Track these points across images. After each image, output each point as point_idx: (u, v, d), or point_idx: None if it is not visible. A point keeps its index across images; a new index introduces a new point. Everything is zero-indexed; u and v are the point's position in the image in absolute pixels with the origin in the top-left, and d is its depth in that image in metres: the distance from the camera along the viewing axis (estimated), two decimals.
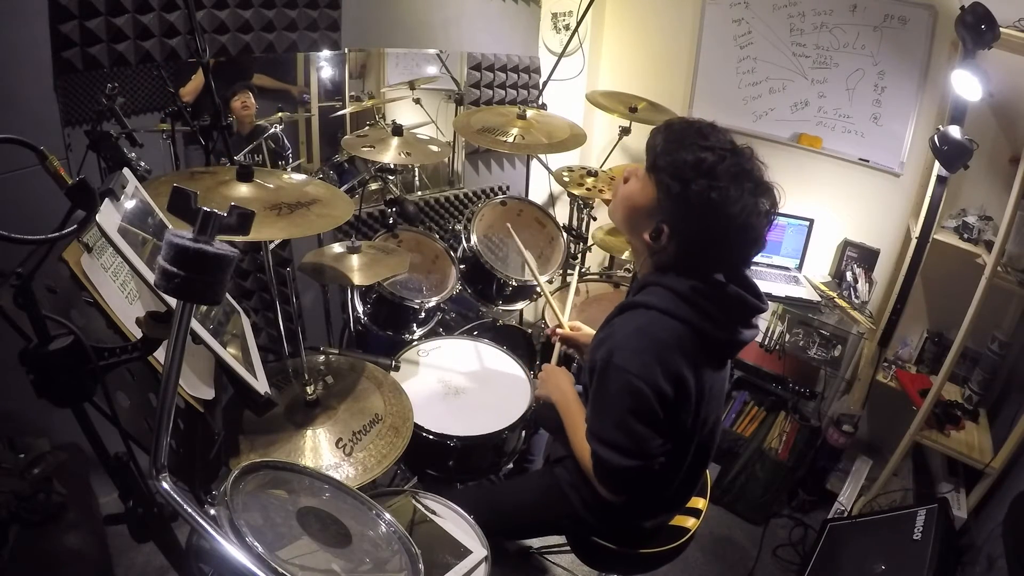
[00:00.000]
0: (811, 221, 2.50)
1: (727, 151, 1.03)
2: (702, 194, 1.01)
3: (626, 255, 2.44)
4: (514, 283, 2.02)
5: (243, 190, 1.24)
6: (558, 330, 1.56)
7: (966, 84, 1.86)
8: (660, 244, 1.10)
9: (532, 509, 1.40)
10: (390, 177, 2.05)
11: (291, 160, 2.15)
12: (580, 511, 1.32)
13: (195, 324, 0.92)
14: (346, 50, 2.13)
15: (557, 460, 1.39)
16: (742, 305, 1.13)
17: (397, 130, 1.84)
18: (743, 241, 1.06)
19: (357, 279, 1.59)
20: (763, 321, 2.43)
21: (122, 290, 0.97)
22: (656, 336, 1.07)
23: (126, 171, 0.95)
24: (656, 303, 1.09)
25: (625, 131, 2.42)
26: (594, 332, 1.57)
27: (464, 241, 2.01)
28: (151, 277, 0.67)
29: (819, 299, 2.36)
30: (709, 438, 1.25)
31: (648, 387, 1.04)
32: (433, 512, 1.29)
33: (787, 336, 2.39)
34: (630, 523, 1.33)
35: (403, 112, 2.42)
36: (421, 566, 0.94)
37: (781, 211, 2.66)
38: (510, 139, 1.99)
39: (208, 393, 1.10)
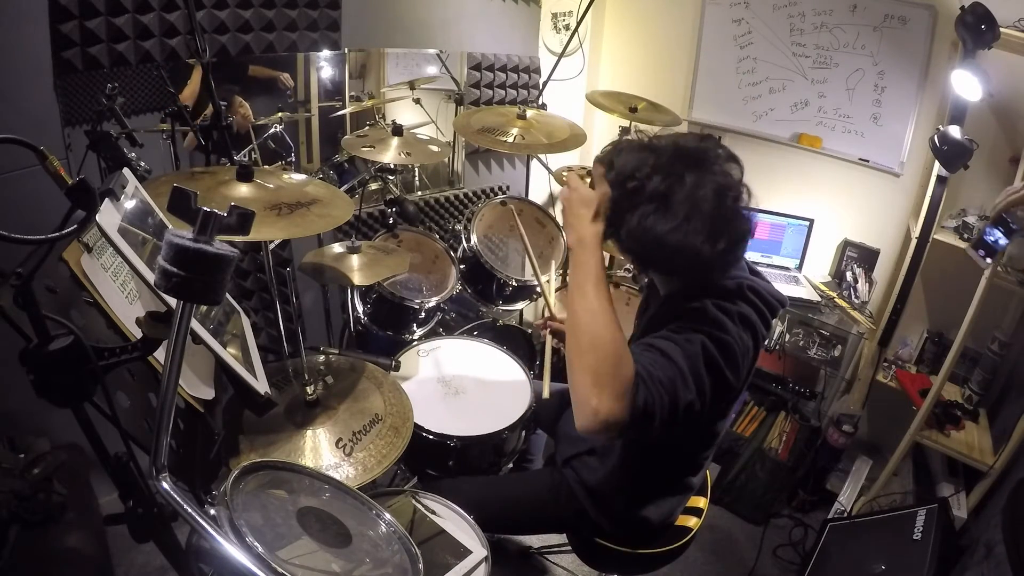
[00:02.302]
0: (811, 221, 2.50)
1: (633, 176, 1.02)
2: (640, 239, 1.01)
3: None
4: (514, 283, 2.02)
5: (243, 190, 1.24)
6: (550, 323, 1.56)
7: (966, 84, 1.86)
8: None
9: (537, 506, 1.41)
10: (390, 177, 2.05)
11: (292, 159, 2.14)
12: (590, 512, 1.33)
13: (195, 324, 0.92)
14: (346, 50, 2.13)
15: (566, 461, 1.39)
16: (777, 300, 1.14)
17: (397, 130, 1.84)
18: (706, 259, 0.99)
19: (357, 279, 1.59)
20: None
21: (122, 290, 0.97)
22: (746, 322, 1.05)
23: (126, 171, 0.95)
24: (707, 295, 1.05)
25: (625, 131, 2.42)
26: None
27: (464, 241, 2.01)
28: (151, 277, 0.67)
29: (819, 299, 2.36)
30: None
31: (739, 347, 1.00)
32: (433, 512, 1.30)
33: (787, 336, 2.39)
34: (639, 521, 1.33)
35: (403, 112, 2.42)
36: (421, 566, 0.94)
37: (781, 211, 2.64)
38: (510, 139, 1.99)
39: (208, 393, 1.10)
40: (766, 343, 2.35)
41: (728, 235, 1.00)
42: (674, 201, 0.98)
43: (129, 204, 0.89)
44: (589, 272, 0.97)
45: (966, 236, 2.06)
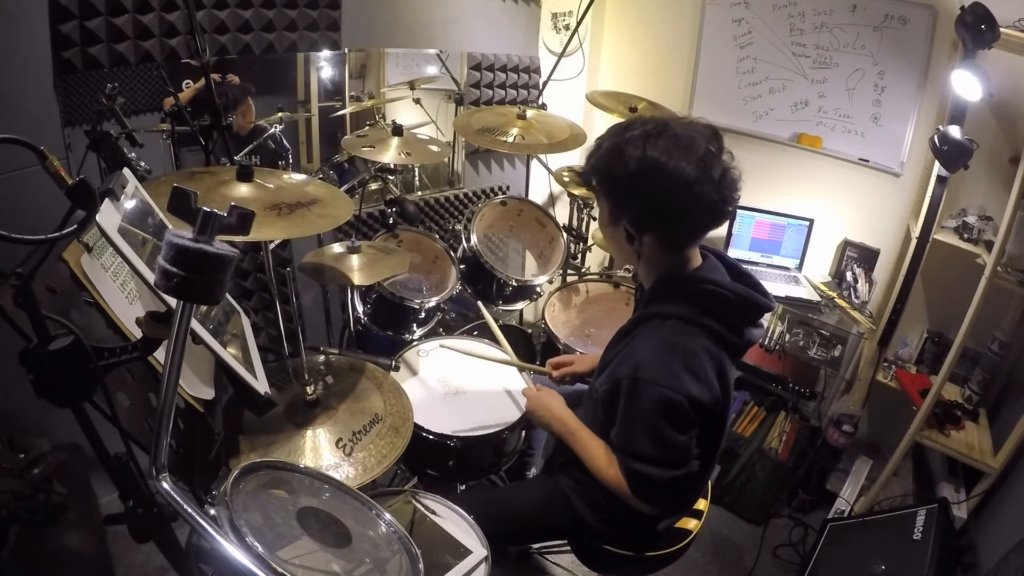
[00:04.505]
0: (811, 221, 2.50)
1: (623, 132, 1.08)
2: (623, 174, 1.05)
3: None
4: (514, 283, 2.02)
5: (243, 190, 1.24)
6: (555, 372, 1.57)
7: (966, 84, 1.86)
8: (640, 243, 1.12)
9: (535, 516, 1.40)
10: (390, 177, 2.05)
11: (290, 160, 2.14)
12: (587, 519, 1.32)
13: (195, 324, 0.92)
14: (346, 50, 2.13)
15: (560, 467, 1.39)
16: (752, 305, 1.14)
17: (397, 130, 1.84)
18: (686, 193, 1.03)
19: (357, 279, 1.59)
20: (764, 321, 2.44)
21: (122, 290, 0.97)
22: (681, 345, 1.08)
23: (126, 171, 0.95)
24: (673, 311, 1.11)
25: None
26: (585, 356, 1.58)
27: (464, 241, 2.01)
28: (151, 277, 0.67)
29: (819, 299, 2.36)
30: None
31: (682, 396, 1.05)
32: (433, 512, 1.30)
33: (787, 336, 2.39)
34: (645, 529, 1.32)
35: (403, 112, 2.42)
36: (421, 566, 0.94)
37: (781, 211, 2.64)
38: (510, 139, 1.99)
39: (208, 393, 1.10)
40: (765, 343, 2.37)
41: (718, 169, 1.05)
42: (661, 142, 1.04)
43: (129, 204, 0.90)
44: (578, 439, 1.27)
45: (966, 236, 2.06)
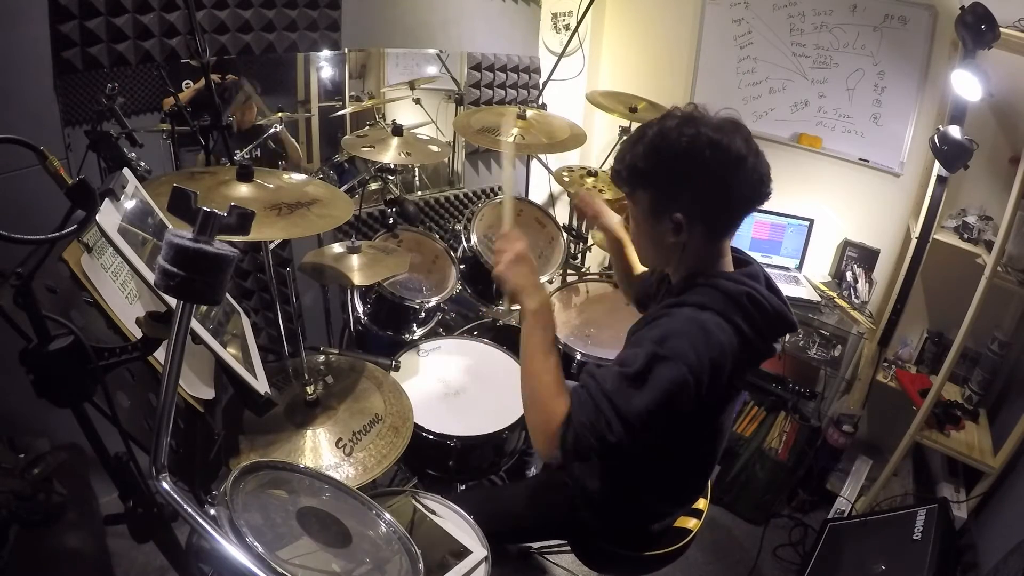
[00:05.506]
0: (811, 221, 2.50)
1: (663, 120, 1.05)
2: (675, 154, 1.01)
3: None
4: None
5: (243, 190, 1.24)
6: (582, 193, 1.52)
7: (966, 84, 1.85)
8: (686, 234, 1.05)
9: (535, 515, 1.40)
10: (390, 177, 2.05)
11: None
12: (587, 517, 1.32)
13: (195, 324, 0.92)
14: (346, 50, 2.13)
15: (561, 465, 1.39)
16: (781, 319, 1.10)
17: (397, 130, 1.84)
18: (741, 168, 1.01)
19: (357, 279, 1.59)
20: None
21: (122, 290, 0.97)
22: (714, 336, 1.01)
23: (126, 171, 0.95)
24: (711, 304, 1.04)
25: (625, 131, 2.42)
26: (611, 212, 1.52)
27: (464, 241, 2.01)
28: (151, 277, 0.67)
29: (819, 299, 2.36)
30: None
31: (694, 381, 0.98)
32: (433, 512, 1.29)
33: (787, 336, 2.39)
34: (644, 528, 1.32)
35: (403, 112, 2.42)
36: (421, 566, 0.94)
37: (781, 211, 2.64)
38: (510, 139, 1.99)
39: (208, 393, 1.10)
40: None
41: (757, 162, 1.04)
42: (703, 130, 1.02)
43: (129, 204, 0.90)
44: (537, 343, 1.09)
45: (966, 236, 2.06)
